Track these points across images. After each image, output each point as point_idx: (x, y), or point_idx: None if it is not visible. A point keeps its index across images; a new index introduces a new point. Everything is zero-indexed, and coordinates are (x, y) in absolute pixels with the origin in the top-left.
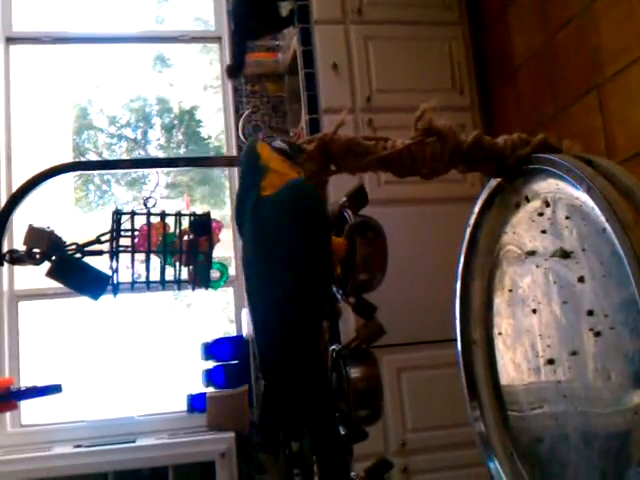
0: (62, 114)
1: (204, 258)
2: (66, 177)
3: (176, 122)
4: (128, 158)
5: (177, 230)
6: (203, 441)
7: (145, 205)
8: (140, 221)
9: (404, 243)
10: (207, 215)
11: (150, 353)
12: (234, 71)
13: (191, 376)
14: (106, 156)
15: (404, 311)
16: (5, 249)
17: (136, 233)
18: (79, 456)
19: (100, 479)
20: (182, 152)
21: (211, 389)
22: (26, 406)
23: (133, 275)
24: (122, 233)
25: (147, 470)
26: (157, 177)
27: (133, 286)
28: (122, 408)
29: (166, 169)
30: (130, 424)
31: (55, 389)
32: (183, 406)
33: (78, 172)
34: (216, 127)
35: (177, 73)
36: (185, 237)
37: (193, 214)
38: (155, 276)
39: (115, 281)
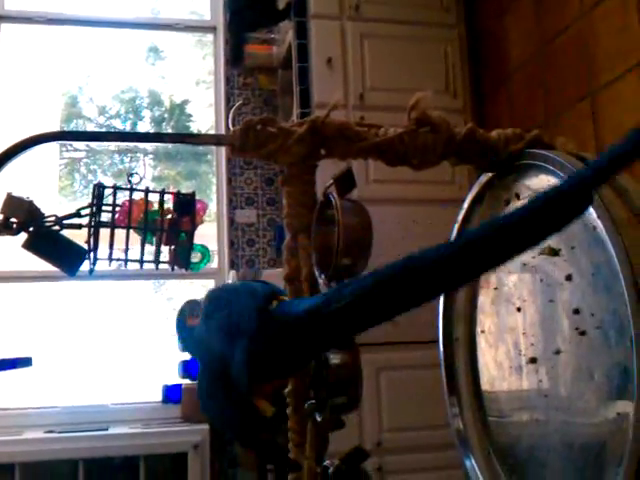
0: (51, 101)
1: (186, 238)
2: (52, 165)
3: (166, 116)
4: (116, 131)
5: (160, 208)
6: (177, 432)
7: (129, 181)
8: (123, 198)
9: (390, 242)
10: (192, 194)
11: (128, 343)
12: (234, 62)
13: (167, 367)
14: (93, 147)
15: None
16: None
17: (117, 209)
18: (50, 442)
19: (71, 466)
20: (170, 146)
21: (187, 381)
22: None
23: (111, 250)
24: (103, 208)
25: (119, 459)
26: (144, 169)
27: (110, 261)
28: (96, 396)
29: (153, 161)
30: (104, 412)
31: (25, 362)
32: (158, 397)
33: (65, 158)
34: (206, 123)
35: (170, 66)
36: (168, 216)
37: (177, 193)
38: (135, 255)
39: (93, 256)
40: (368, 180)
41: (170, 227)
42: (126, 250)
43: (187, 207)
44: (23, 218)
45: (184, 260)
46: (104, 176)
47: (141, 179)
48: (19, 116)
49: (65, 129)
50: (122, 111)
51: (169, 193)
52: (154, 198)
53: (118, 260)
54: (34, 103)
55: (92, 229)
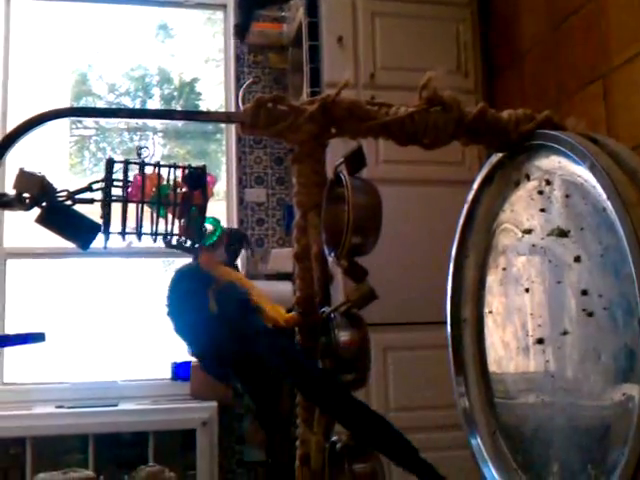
0: (61, 78)
1: (197, 211)
2: (62, 142)
3: (176, 94)
4: (126, 107)
5: (171, 182)
6: (185, 409)
7: (139, 155)
8: (134, 172)
9: (399, 223)
10: (202, 168)
11: (138, 320)
12: (241, 31)
13: (176, 344)
14: (103, 124)
15: (396, 291)
16: None
17: (129, 184)
18: (60, 417)
19: (80, 441)
20: (180, 125)
21: None
22: (9, 364)
23: (124, 224)
24: (115, 183)
25: (128, 435)
26: (153, 147)
27: (124, 236)
28: (106, 372)
29: (163, 140)
30: (113, 388)
31: (39, 337)
32: (167, 374)
33: (75, 136)
34: (216, 101)
35: (180, 44)
36: (179, 190)
37: (188, 166)
38: (147, 229)
39: (106, 230)
40: (378, 160)
41: (182, 201)
42: (139, 224)
43: (198, 181)
44: (36, 193)
45: (196, 232)
46: (114, 154)
47: (152, 155)
48: (30, 93)
49: (75, 106)
50: (132, 89)
51: (180, 167)
52: (164, 174)
53: (131, 234)
54: (44, 80)
55: (105, 204)
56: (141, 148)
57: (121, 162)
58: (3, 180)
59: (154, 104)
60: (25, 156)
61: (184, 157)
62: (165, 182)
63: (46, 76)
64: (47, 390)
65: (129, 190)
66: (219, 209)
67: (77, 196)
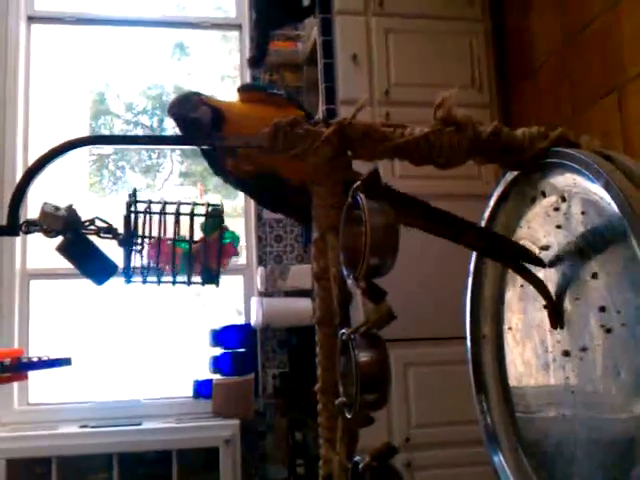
0: (80, 98)
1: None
2: (81, 161)
3: None
4: (147, 134)
5: (189, 233)
6: (208, 427)
7: (133, 196)
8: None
9: (416, 238)
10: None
11: (159, 338)
12: (256, 61)
13: (198, 362)
14: None
15: (414, 306)
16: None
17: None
18: (84, 436)
19: (104, 460)
20: None
21: (218, 376)
22: (34, 384)
23: (146, 273)
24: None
25: (151, 453)
26: (171, 165)
27: (145, 283)
28: (129, 391)
29: (180, 157)
30: (136, 407)
31: (65, 362)
32: (189, 392)
33: (94, 154)
34: None
35: (196, 62)
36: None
37: (207, 213)
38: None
39: (127, 272)
40: (394, 175)
41: (200, 272)
42: (159, 278)
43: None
44: (61, 227)
45: (214, 278)
46: (132, 172)
47: (170, 173)
48: (50, 113)
49: (93, 125)
50: (149, 107)
51: (201, 204)
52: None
53: (152, 282)
54: (63, 101)
55: (127, 250)
56: (135, 192)
57: (144, 202)
58: (26, 206)
59: (171, 122)
60: (46, 176)
61: (201, 174)
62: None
63: (65, 96)
64: (71, 410)
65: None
66: (238, 226)
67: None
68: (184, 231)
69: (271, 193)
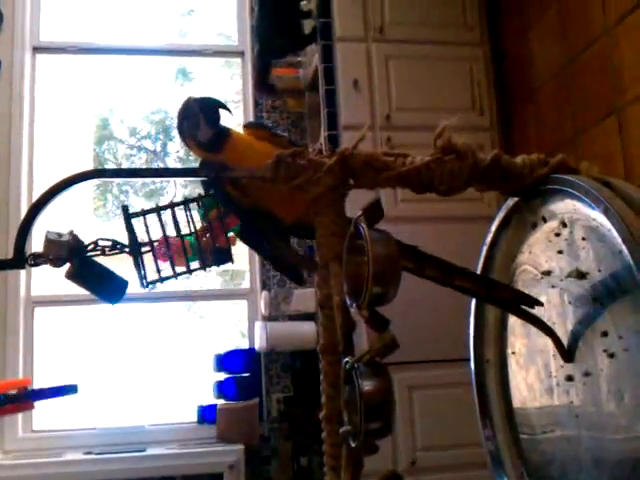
0: (84, 124)
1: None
2: (85, 186)
3: None
4: (150, 167)
5: (190, 225)
6: (212, 452)
7: (125, 209)
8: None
9: None
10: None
11: (162, 363)
12: (268, 90)
13: (202, 387)
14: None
15: (418, 329)
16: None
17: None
18: (89, 463)
19: None
20: None
21: (222, 401)
22: (38, 411)
23: (159, 274)
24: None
25: (156, 479)
26: (175, 189)
27: (162, 280)
28: (133, 417)
29: (184, 180)
30: (140, 433)
31: (71, 389)
32: (193, 417)
33: (98, 180)
34: None
35: (198, 87)
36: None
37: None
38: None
39: (142, 277)
40: (396, 199)
41: (211, 252)
42: (173, 271)
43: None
44: (65, 255)
45: (226, 256)
46: (135, 197)
47: (174, 196)
48: (54, 140)
49: (97, 150)
50: (152, 132)
51: (192, 200)
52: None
53: (168, 279)
54: (68, 127)
55: (136, 259)
56: (126, 207)
57: (137, 214)
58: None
59: (174, 146)
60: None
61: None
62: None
63: (69, 122)
64: (76, 437)
65: (156, 245)
66: (241, 249)
67: (107, 251)
68: (184, 229)
69: (258, 228)
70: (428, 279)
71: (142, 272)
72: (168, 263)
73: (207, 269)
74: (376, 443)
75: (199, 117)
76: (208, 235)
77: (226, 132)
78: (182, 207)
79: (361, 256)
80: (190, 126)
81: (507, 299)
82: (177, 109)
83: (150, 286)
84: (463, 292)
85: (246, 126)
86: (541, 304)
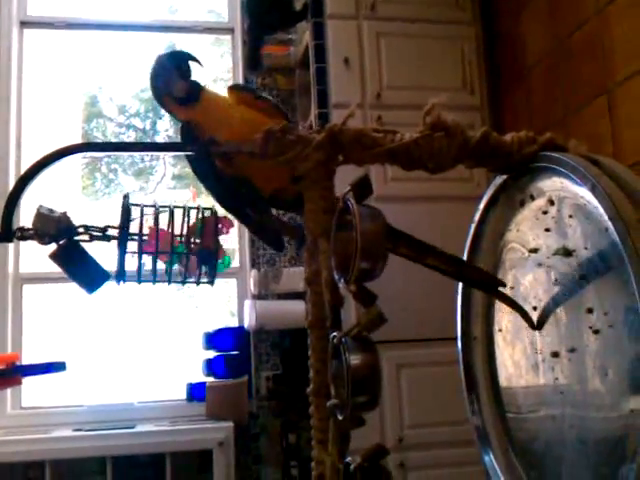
0: (72, 101)
1: (209, 253)
2: (74, 164)
3: None
4: (139, 142)
5: (184, 228)
6: (202, 429)
7: (126, 199)
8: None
9: None
10: (215, 214)
11: (152, 341)
12: (254, 66)
13: (191, 365)
14: None
15: (406, 308)
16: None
17: (145, 230)
18: (78, 440)
19: (98, 463)
20: None
21: (211, 379)
22: (27, 388)
23: (140, 272)
24: (131, 230)
25: (145, 456)
26: (164, 168)
27: (140, 282)
28: (122, 394)
29: (173, 159)
30: (130, 410)
31: (60, 366)
32: (183, 394)
33: (86, 157)
34: None
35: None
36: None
37: (203, 217)
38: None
39: (121, 275)
40: (386, 178)
41: (197, 252)
42: (154, 273)
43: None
44: (54, 232)
45: (210, 276)
46: (125, 175)
47: (163, 175)
48: (42, 117)
49: (85, 128)
50: (142, 110)
51: (193, 208)
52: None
53: (147, 282)
54: (56, 104)
55: (121, 251)
56: (127, 195)
57: (137, 205)
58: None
59: (164, 124)
60: (39, 179)
61: (194, 177)
62: (178, 235)
63: (58, 99)
64: (65, 413)
65: (145, 238)
66: (231, 229)
67: (94, 234)
68: (177, 231)
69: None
70: (402, 257)
71: (122, 267)
72: (151, 260)
73: (188, 276)
74: (363, 417)
75: (172, 71)
76: (198, 241)
77: (200, 86)
78: (181, 211)
79: (349, 232)
80: (164, 82)
81: (475, 279)
82: (149, 70)
83: (122, 283)
84: (437, 271)
85: (230, 88)
86: (504, 285)
